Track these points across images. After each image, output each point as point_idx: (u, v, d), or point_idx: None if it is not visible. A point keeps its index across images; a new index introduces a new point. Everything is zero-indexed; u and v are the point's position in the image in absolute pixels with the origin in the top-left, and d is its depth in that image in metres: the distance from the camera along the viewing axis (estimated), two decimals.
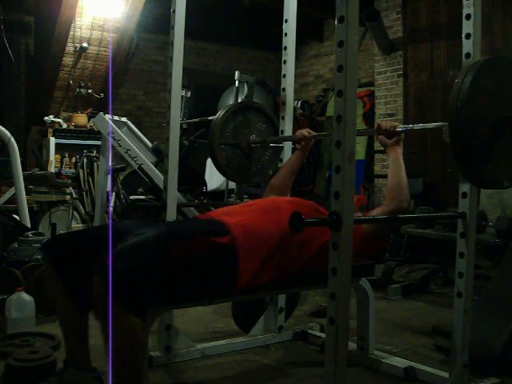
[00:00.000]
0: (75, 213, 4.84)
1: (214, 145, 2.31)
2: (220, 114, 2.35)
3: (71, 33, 6.11)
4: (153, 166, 3.85)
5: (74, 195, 4.84)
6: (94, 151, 5.37)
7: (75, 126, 6.34)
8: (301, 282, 1.93)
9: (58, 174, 4.95)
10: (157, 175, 3.76)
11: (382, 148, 2.09)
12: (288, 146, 2.53)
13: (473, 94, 1.45)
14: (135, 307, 1.43)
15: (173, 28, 2.21)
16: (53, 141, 6.00)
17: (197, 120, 5.44)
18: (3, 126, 3.78)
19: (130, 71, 7.40)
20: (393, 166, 1.99)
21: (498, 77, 1.55)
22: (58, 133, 6.14)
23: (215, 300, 1.74)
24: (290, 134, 2.53)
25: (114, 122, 4.06)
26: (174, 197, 2.21)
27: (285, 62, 2.52)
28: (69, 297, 1.71)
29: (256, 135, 2.45)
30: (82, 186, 5.19)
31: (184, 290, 1.59)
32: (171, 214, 2.19)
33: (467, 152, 1.48)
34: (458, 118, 1.46)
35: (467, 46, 1.84)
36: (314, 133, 2.36)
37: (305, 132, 2.31)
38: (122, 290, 1.39)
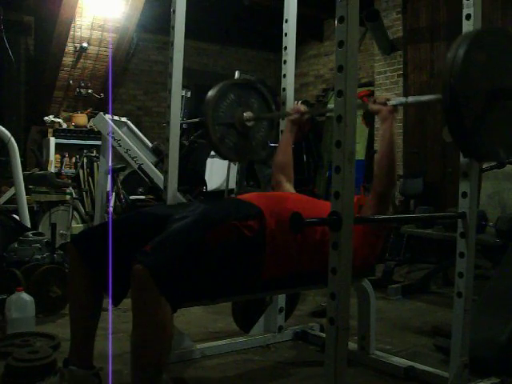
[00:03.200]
0: (75, 213, 4.83)
1: (208, 126, 2.27)
2: (211, 94, 2.28)
3: (71, 33, 6.12)
4: (153, 166, 3.85)
5: (74, 195, 4.83)
6: (94, 151, 5.37)
7: (75, 126, 6.34)
8: (301, 282, 1.93)
9: (58, 174, 4.95)
10: (157, 175, 3.76)
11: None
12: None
13: (466, 66, 1.42)
14: (172, 293, 1.45)
15: (173, 28, 2.21)
16: (53, 141, 6.00)
17: (197, 120, 5.44)
18: (3, 126, 3.78)
19: (130, 71, 7.40)
20: (383, 138, 1.88)
21: (490, 48, 1.52)
22: (58, 133, 6.15)
23: (217, 300, 1.74)
24: None
25: (114, 122, 4.06)
26: (174, 197, 2.21)
27: (285, 62, 2.52)
28: (91, 291, 1.72)
29: (249, 112, 2.37)
30: (82, 186, 5.18)
31: (216, 277, 1.61)
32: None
33: (462, 125, 1.45)
34: (451, 92, 1.43)
35: None
36: (307, 109, 2.35)
37: (301, 107, 2.32)
38: (162, 277, 1.42)
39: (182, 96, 4.66)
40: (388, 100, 1.88)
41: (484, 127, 1.48)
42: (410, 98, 1.96)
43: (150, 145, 4.41)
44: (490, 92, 1.49)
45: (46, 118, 6.12)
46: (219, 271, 1.61)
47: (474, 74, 1.45)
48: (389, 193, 1.90)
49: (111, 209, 4.38)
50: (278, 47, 2.73)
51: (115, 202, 4.55)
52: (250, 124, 2.36)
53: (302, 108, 2.32)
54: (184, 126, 5.13)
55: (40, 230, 3.91)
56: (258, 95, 2.47)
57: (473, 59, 1.44)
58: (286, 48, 2.51)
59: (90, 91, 6.50)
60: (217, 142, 2.28)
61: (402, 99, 1.96)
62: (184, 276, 1.51)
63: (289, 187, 2.29)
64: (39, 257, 3.03)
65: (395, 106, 1.89)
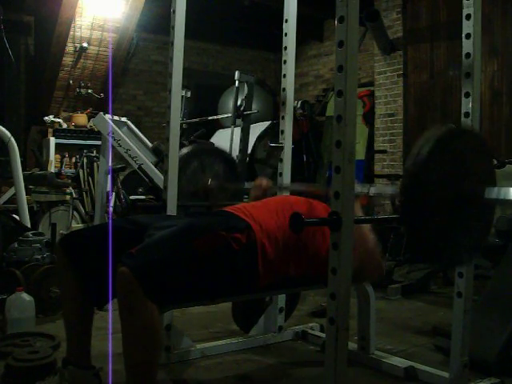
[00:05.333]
0: (75, 213, 4.84)
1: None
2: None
3: (71, 33, 6.12)
4: (153, 166, 3.85)
5: (74, 195, 4.84)
6: (94, 151, 5.37)
7: (75, 126, 6.34)
8: (301, 282, 1.93)
9: (58, 174, 4.95)
10: (157, 175, 3.76)
11: (383, 148, 2.05)
12: (288, 145, 2.53)
13: (428, 169, 1.33)
14: (157, 296, 1.45)
15: (173, 28, 2.21)
16: (53, 141, 6.00)
17: (197, 120, 5.45)
18: (3, 126, 3.78)
19: (130, 71, 7.40)
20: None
21: (456, 151, 1.42)
22: (58, 133, 6.14)
23: (216, 300, 1.74)
24: (290, 134, 2.53)
25: (114, 122, 4.06)
26: (174, 197, 2.21)
27: (285, 62, 2.52)
28: (80, 291, 1.72)
29: (213, 179, 2.31)
30: (82, 186, 5.18)
31: (206, 284, 1.61)
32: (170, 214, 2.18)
33: (424, 235, 1.37)
34: (412, 202, 1.33)
35: (467, 45, 1.84)
36: (270, 183, 2.25)
37: (263, 182, 2.23)
38: (147, 279, 1.42)
39: (182, 96, 4.66)
40: None
41: (447, 233, 1.40)
42: (373, 189, 1.90)
43: (149, 145, 4.41)
44: (452, 198, 1.39)
45: (46, 118, 6.12)
46: (209, 278, 1.60)
47: (435, 179, 1.35)
48: (372, 272, 1.85)
49: (111, 209, 4.38)
50: (278, 47, 2.73)
51: (115, 201, 4.55)
52: (214, 192, 2.31)
53: (265, 183, 2.23)
54: (184, 125, 5.13)
55: (40, 230, 3.91)
56: (224, 161, 2.43)
57: (437, 161, 1.35)
58: (285, 48, 2.51)
59: (90, 91, 6.50)
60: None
61: (365, 188, 1.91)
62: (169, 279, 1.50)
63: None
64: (39, 257, 3.03)
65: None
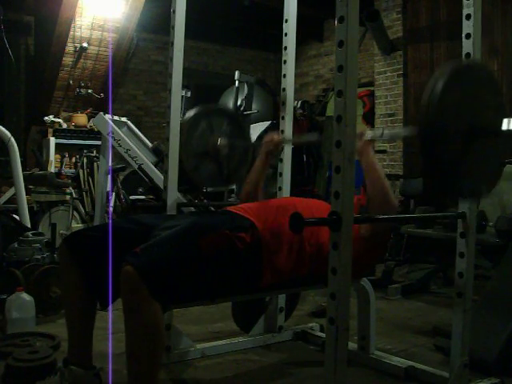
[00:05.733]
0: (75, 213, 4.83)
1: (183, 161, 2.24)
2: (183, 127, 2.24)
3: (71, 33, 6.12)
4: (153, 166, 3.85)
5: (74, 195, 4.84)
6: (94, 151, 5.37)
7: (75, 126, 6.34)
8: (301, 282, 1.93)
9: (58, 174, 4.95)
10: (157, 175, 3.77)
11: (383, 148, 2.05)
12: (288, 146, 2.53)
13: (444, 102, 1.36)
14: (161, 295, 1.45)
15: (173, 28, 2.21)
16: (53, 141, 6.00)
17: None
18: (3, 126, 3.78)
19: (130, 71, 7.40)
20: (368, 172, 1.79)
21: (469, 84, 1.47)
22: (58, 133, 6.14)
23: (216, 300, 1.74)
24: (290, 134, 2.53)
25: (114, 122, 4.07)
26: (174, 197, 2.21)
27: (285, 62, 2.52)
28: (83, 291, 1.72)
29: (223, 139, 2.30)
30: (82, 186, 5.18)
31: (211, 283, 1.62)
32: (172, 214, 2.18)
33: (440, 162, 1.40)
34: (429, 128, 1.37)
35: (467, 45, 1.84)
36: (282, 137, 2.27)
37: (275, 136, 2.24)
38: (152, 278, 1.42)
39: (182, 96, 4.66)
40: (363, 134, 1.81)
41: (464, 163, 1.44)
42: (386, 131, 1.91)
43: (150, 145, 4.41)
44: (468, 129, 1.43)
45: (46, 118, 6.12)
46: (213, 277, 1.61)
47: (451, 110, 1.40)
48: (385, 230, 1.85)
49: (111, 209, 4.38)
50: (278, 47, 2.73)
51: (115, 201, 4.55)
52: (224, 151, 2.30)
53: (276, 138, 2.24)
54: None
55: (40, 230, 3.91)
56: (231, 120, 2.42)
57: (451, 94, 1.39)
58: (285, 48, 2.51)
59: (90, 91, 6.50)
60: (192, 173, 2.24)
61: (378, 132, 1.91)
62: (174, 278, 1.50)
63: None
64: (39, 257, 3.02)
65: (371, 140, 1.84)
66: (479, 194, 1.64)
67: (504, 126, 1.50)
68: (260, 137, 5.93)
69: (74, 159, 6.05)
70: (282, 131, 2.52)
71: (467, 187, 1.51)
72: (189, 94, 5.37)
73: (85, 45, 6.23)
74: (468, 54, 1.83)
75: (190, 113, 2.24)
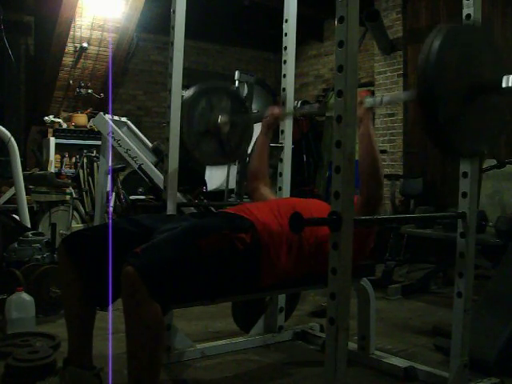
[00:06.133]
0: (75, 213, 4.83)
1: (183, 136, 2.24)
2: (183, 106, 2.25)
3: (71, 33, 6.12)
4: (153, 166, 3.85)
5: (74, 195, 4.84)
6: (94, 151, 5.37)
7: (75, 126, 6.34)
8: (301, 282, 1.93)
9: (58, 174, 4.95)
10: (157, 175, 3.76)
11: (383, 148, 2.04)
12: (288, 145, 2.53)
13: (441, 61, 1.35)
14: (161, 296, 1.45)
15: (173, 28, 2.21)
16: (53, 141, 6.00)
17: None
18: (3, 126, 3.78)
19: (130, 71, 7.40)
20: (362, 140, 1.77)
21: (465, 43, 1.46)
22: (58, 133, 6.14)
23: (216, 300, 1.74)
24: (290, 134, 2.53)
25: (114, 122, 4.06)
26: (174, 197, 2.21)
27: (285, 62, 2.52)
28: (82, 291, 1.72)
29: (223, 116, 2.31)
30: (82, 186, 5.18)
31: (211, 284, 1.62)
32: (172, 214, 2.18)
33: (439, 122, 1.37)
34: (426, 87, 1.35)
35: None
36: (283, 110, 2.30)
37: (275, 109, 2.30)
38: (152, 279, 1.42)
39: (182, 96, 4.66)
40: (362, 101, 1.79)
41: (463, 123, 1.43)
42: (386, 97, 1.90)
43: (150, 145, 4.41)
44: (467, 87, 1.42)
45: (46, 118, 6.12)
46: (213, 278, 1.61)
47: (449, 69, 1.39)
48: (376, 195, 1.82)
49: (111, 209, 4.38)
50: (278, 47, 2.73)
51: (115, 201, 4.55)
52: (225, 128, 2.31)
53: (277, 110, 2.29)
54: None
55: (40, 230, 3.91)
56: (231, 96, 2.43)
57: (448, 53, 1.38)
58: (285, 48, 2.51)
59: (90, 91, 6.50)
60: (194, 152, 2.25)
61: (378, 99, 1.90)
62: (174, 278, 1.50)
63: (267, 192, 2.28)
64: (39, 257, 3.02)
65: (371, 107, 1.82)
66: (480, 153, 1.62)
67: (504, 84, 1.46)
68: None
69: (74, 159, 6.05)
70: (282, 131, 2.52)
71: (468, 146, 1.49)
72: None
73: (85, 45, 6.23)
74: None
75: (189, 92, 2.24)
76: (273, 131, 2.35)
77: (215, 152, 2.35)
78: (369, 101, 1.81)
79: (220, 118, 2.28)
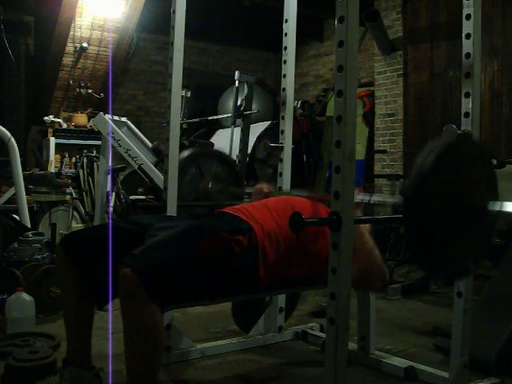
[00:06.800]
0: (75, 213, 4.84)
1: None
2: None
3: (71, 33, 6.12)
4: (153, 166, 3.85)
5: (74, 195, 4.84)
6: (94, 151, 5.38)
7: (75, 126, 6.34)
8: (301, 282, 1.93)
9: (58, 174, 4.95)
10: (157, 175, 3.76)
11: (383, 148, 2.05)
12: (288, 145, 2.53)
13: (430, 185, 1.32)
14: (160, 297, 1.44)
15: (173, 28, 2.21)
16: (53, 141, 5.99)
17: (197, 120, 5.45)
18: (3, 126, 3.78)
19: (130, 71, 7.40)
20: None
21: (459, 162, 1.41)
22: (58, 133, 6.14)
23: (216, 300, 1.74)
24: (290, 134, 2.53)
25: (114, 122, 4.07)
26: (174, 197, 2.21)
27: (285, 62, 2.52)
28: (80, 291, 1.72)
29: (213, 182, 2.30)
30: (82, 186, 5.18)
31: (209, 285, 1.62)
32: (171, 215, 2.18)
33: (427, 249, 1.34)
34: (414, 214, 1.31)
35: (467, 46, 1.84)
36: (271, 188, 2.26)
37: (264, 188, 2.24)
38: (151, 281, 1.41)
39: (182, 96, 4.66)
40: None
41: (450, 245, 1.38)
42: (374, 197, 1.90)
43: (150, 145, 4.41)
44: (454, 209, 1.37)
45: (45, 118, 6.12)
46: (211, 280, 1.61)
47: (438, 190, 1.34)
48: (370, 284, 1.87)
49: (111, 209, 4.38)
50: (278, 47, 2.73)
51: (115, 201, 4.55)
52: (215, 195, 2.31)
53: (265, 188, 2.23)
54: (184, 125, 5.13)
55: (40, 230, 3.91)
56: (221, 162, 2.42)
57: (439, 174, 1.33)
58: (285, 48, 2.51)
59: (90, 91, 6.49)
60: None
61: (366, 197, 1.90)
62: (172, 280, 1.50)
63: None
64: (39, 257, 3.02)
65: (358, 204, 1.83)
66: (466, 273, 1.61)
67: (492, 207, 1.45)
68: (260, 137, 5.94)
69: (74, 159, 6.05)
70: (282, 131, 2.52)
71: (454, 269, 1.46)
72: (189, 94, 5.37)
73: (85, 45, 6.22)
74: (468, 54, 1.84)
75: (180, 156, 2.23)
76: None
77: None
78: (357, 197, 1.83)
79: (210, 186, 2.28)
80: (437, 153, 1.33)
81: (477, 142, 1.63)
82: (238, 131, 4.69)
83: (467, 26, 1.83)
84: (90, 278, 1.71)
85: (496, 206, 1.44)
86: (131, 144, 3.88)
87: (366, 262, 1.79)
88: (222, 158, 2.48)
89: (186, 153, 2.27)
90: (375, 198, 1.85)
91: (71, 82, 6.43)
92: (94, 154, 5.32)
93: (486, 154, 1.54)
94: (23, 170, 3.95)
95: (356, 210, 1.78)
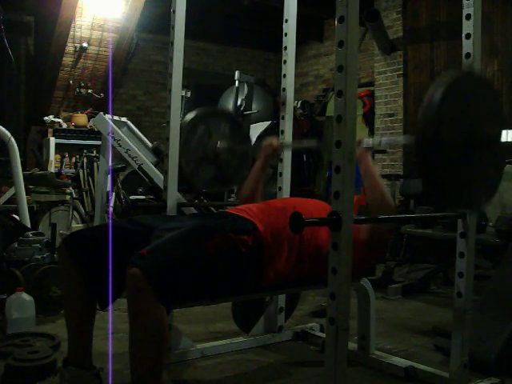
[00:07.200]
0: (75, 213, 4.83)
1: (183, 166, 2.24)
2: (182, 131, 2.23)
3: (71, 33, 6.11)
4: (153, 166, 3.85)
5: (74, 195, 4.84)
6: (94, 151, 5.37)
7: (75, 126, 6.34)
8: (301, 282, 1.93)
9: (58, 174, 4.95)
10: (157, 175, 3.76)
11: (383, 148, 2.05)
12: (287, 151, 2.52)
13: (442, 113, 1.35)
14: (167, 297, 1.45)
15: (173, 28, 2.21)
16: (53, 141, 5.99)
17: None
18: (3, 126, 3.78)
19: (130, 71, 7.40)
20: (366, 178, 1.83)
21: (467, 95, 1.45)
22: (58, 133, 6.14)
23: (216, 300, 1.74)
24: (290, 134, 2.53)
25: (114, 122, 4.06)
26: (174, 197, 2.21)
27: (285, 62, 2.52)
28: (82, 291, 1.72)
29: (221, 141, 2.29)
30: (82, 186, 5.18)
31: (214, 285, 1.62)
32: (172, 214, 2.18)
33: (439, 176, 1.38)
34: (426, 142, 1.35)
35: (467, 46, 1.84)
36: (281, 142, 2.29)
37: (273, 141, 2.27)
38: (158, 281, 1.42)
39: (182, 96, 4.66)
40: (361, 141, 1.82)
41: (460, 173, 1.43)
42: (385, 139, 1.92)
43: (150, 145, 4.41)
44: (466, 140, 1.41)
45: (45, 118, 6.12)
46: (217, 280, 1.62)
47: (449, 121, 1.38)
48: (384, 227, 1.85)
49: (111, 209, 4.38)
50: (278, 47, 2.73)
51: (115, 201, 4.55)
52: (223, 155, 2.29)
53: (275, 142, 2.27)
54: None
55: (40, 230, 3.91)
56: (229, 121, 2.41)
57: (449, 105, 1.37)
58: (285, 48, 2.51)
59: (90, 91, 6.49)
60: (192, 178, 2.24)
61: (376, 140, 1.92)
62: (180, 280, 1.51)
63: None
64: (39, 257, 3.02)
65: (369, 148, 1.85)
66: (478, 204, 1.63)
67: (503, 137, 1.49)
68: (260, 137, 5.92)
69: (74, 159, 6.05)
70: (282, 131, 2.52)
71: (465, 197, 1.49)
72: (189, 94, 5.37)
73: (85, 45, 6.22)
74: (468, 54, 1.83)
75: (188, 117, 2.23)
76: (269, 164, 2.31)
77: (214, 178, 2.33)
78: (367, 141, 1.85)
79: (218, 144, 2.27)
80: (446, 85, 1.36)
81: (483, 77, 1.66)
82: None
83: (467, 26, 1.83)
84: (92, 278, 1.71)
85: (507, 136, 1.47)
86: (131, 144, 3.87)
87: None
88: (230, 117, 2.47)
89: (193, 113, 2.26)
90: (385, 139, 1.87)
91: (71, 82, 6.43)
92: (94, 154, 5.32)
93: (492, 88, 1.57)
94: (23, 170, 3.95)
95: (367, 154, 1.83)
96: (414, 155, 1.40)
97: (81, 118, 6.41)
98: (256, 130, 5.71)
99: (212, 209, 3.88)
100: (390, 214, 1.80)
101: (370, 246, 1.85)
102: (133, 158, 3.82)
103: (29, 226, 3.70)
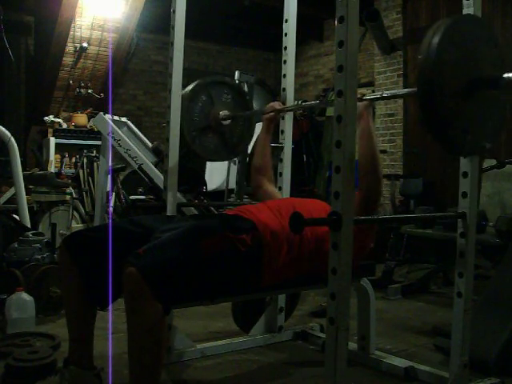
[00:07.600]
0: (75, 213, 4.84)
1: (185, 134, 2.25)
2: (183, 101, 2.24)
3: (71, 33, 6.12)
4: (153, 166, 3.85)
5: (74, 195, 4.84)
6: (94, 151, 5.37)
7: (75, 126, 6.34)
8: (301, 282, 1.93)
9: (58, 174, 4.95)
10: (157, 175, 3.76)
11: (383, 148, 2.05)
12: (288, 145, 2.53)
13: (441, 56, 1.33)
14: (164, 296, 1.45)
15: (173, 28, 2.21)
16: (53, 141, 6.00)
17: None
18: (3, 126, 3.78)
19: (130, 71, 7.41)
20: (362, 136, 1.78)
21: (466, 37, 1.44)
22: (58, 133, 6.15)
23: (216, 300, 1.74)
24: (290, 134, 2.53)
25: (114, 122, 4.06)
26: (174, 197, 2.21)
27: (285, 62, 2.52)
28: (83, 291, 1.72)
29: (224, 110, 2.32)
30: (82, 186, 5.18)
31: (212, 284, 1.62)
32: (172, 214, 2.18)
33: (439, 118, 1.36)
34: (428, 84, 1.33)
35: None
36: (284, 106, 2.32)
37: (276, 104, 2.33)
38: (155, 280, 1.42)
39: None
40: (363, 95, 1.81)
41: (464, 117, 1.41)
42: (386, 92, 1.91)
43: (150, 145, 4.41)
44: (467, 82, 1.41)
45: (45, 118, 6.12)
46: (216, 279, 1.62)
47: (449, 64, 1.37)
48: (375, 190, 1.81)
49: (111, 209, 4.38)
50: (278, 47, 2.73)
51: (115, 201, 4.55)
52: (226, 123, 2.33)
53: (278, 105, 2.32)
54: None
55: (40, 230, 3.91)
56: (231, 90, 2.43)
57: (447, 49, 1.36)
58: (286, 48, 2.51)
59: (90, 91, 6.50)
60: (196, 147, 2.26)
61: (378, 94, 1.91)
62: (176, 279, 1.51)
63: (271, 189, 2.29)
64: (39, 257, 3.02)
65: (371, 101, 1.83)
66: (482, 149, 1.61)
67: (504, 78, 1.46)
68: None
69: (74, 159, 6.05)
70: (282, 131, 2.52)
71: (469, 141, 1.47)
72: None
73: (85, 45, 6.23)
74: None
75: (189, 86, 2.24)
76: (274, 128, 2.35)
77: (216, 147, 2.35)
78: (369, 94, 1.83)
79: (221, 113, 2.28)
80: (444, 28, 1.35)
81: (483, 20, 1.66)
82: None
83: None
84: (93, 278, 1.71)
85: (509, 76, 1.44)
86: (131, 144, 3.88)
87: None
88: (232, 85, 2.48)
89: (195, 82, 2.27)
90: (387, 92, 1.87)
91: (71, 82, 6.43)
92: (94, 154, 5.32)
93: (490, 31, 1.56)
94: (23, 170, 3.95)
95: (369, 109, 1.81)
96: (417, 104, 1.38)
97: (81, 118, 6.42)
98: (256, 129, 5.70)
99: (212, 209, 3.89)
100: (377, 182, 1.79)
101: (359, 234, 1.83)
102: (133, 158, 3.82)
103: (29, 225, 3.70)
